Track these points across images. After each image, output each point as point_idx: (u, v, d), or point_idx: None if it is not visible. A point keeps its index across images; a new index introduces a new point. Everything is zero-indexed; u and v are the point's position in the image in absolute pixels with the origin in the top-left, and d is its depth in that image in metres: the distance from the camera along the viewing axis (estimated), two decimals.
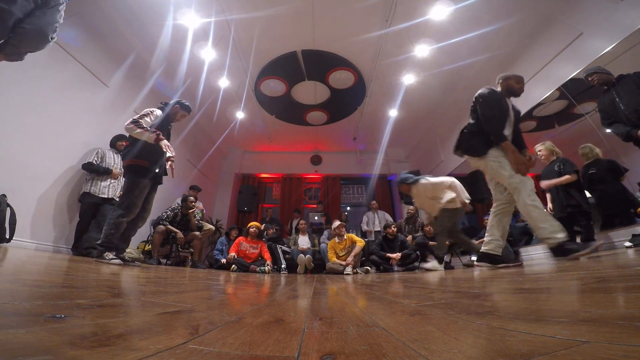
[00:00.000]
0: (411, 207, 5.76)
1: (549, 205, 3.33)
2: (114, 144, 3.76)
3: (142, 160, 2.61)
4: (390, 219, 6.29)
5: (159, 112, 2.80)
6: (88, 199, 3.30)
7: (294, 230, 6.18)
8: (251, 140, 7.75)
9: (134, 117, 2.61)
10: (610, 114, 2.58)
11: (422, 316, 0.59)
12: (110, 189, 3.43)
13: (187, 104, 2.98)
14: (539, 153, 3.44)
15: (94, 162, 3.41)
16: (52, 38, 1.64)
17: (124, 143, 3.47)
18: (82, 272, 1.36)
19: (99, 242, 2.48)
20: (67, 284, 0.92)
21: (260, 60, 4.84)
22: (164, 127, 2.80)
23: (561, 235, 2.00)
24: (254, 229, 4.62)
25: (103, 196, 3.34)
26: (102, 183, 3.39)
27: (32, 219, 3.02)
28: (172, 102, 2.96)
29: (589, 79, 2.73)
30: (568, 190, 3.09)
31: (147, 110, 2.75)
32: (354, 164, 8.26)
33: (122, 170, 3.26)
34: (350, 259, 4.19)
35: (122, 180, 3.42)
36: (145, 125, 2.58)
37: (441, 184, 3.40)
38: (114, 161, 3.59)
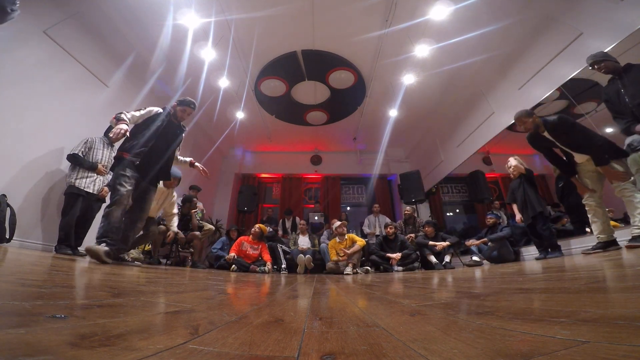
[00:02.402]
0: (408, 208, 5.77)
1: (517, 216, 3.63)
2: (107, 132, 3.38)
3: (127, 152, 2.48)
4: (389, 222, 6.29)
5: (155, 110, 2.69)
6: (72, 192, 3.05)
7: (289, 231, 6.18)
8: (251, 140, 7.75)
9: (124, 112, 2.52)
10: (614, 106, 2.46)
11: (422, 316, 0.59)
12: (96, 184, 3.18)
13: (183, 99, 2.83)
14: (512, 162, 3.68)
15: (81, 153, 3.15)
16: (12, 10, 1.59)
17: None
18: (82, 272, 1.36)
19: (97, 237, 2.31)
20: (67, 284, 0.92)
21: (260, 60, 4.84)
22: (147, 126, 2.62)
23: None
24: (256, 229, 4.62)
25: (88, 190, 3.11)
26: (87, 178, 3.13)
27: (32, 219, 3.02)
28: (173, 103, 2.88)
29: (596, 67, 2.55)
30: (531, 201, 3.44)
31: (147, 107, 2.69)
32: (354, 164, 8.26)
33: (112, 161, 3.09)
34: (348, 252, 4.23)
35: (108, 177, 3.26)
36: (124, 118, 2.46)
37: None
38: (102, 154, 3.29)
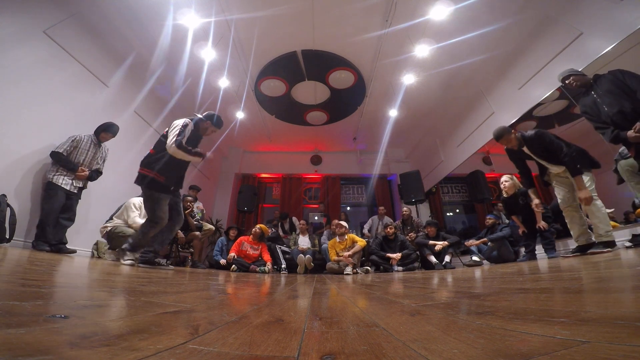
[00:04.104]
0: (405, 208, 5.78)
1: (521, 229, 3.66)
2: (98, 133, 3.34)
3: (160, 175, 2.57)
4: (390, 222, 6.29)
5: (192, 126, 2.71)
6: (52, 188, 3.00)
7: (289, 232, 6.19)
8: (251, 140, 7.74)
9: (176, 136, 2.54)
10: (593, 116, 2.48)
11: (422, 316, 0.59)
12: (74, 183, 3.15)
13: (213, 115, 2.85)
14: (505, 184, 3.71)
15: (65, 152, 3.09)
16: None
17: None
18: (82, 272, 1.36)
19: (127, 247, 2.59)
20: (67, 284, 0.92)
21: (260, 60, 4.83)
22: (192, 142, 2.73)
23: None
24: (257, 229, 4.61)
25: (66, 188, 3.06)
26: (66, 176, 3.10)
27: (32, 219, 3.01)
28: (202, 115, 2.84)
29: (566, 82, 2.62)
30: (532, 213, 3.50)
31: (181, 122, 2.64)
32: (354, 164, 8.26)
33: (97, 162, 3.37)
34: (348, 253, 4.23)
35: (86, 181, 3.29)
36: (190, 149, 2.63)
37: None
38: (87, 155, 3.23)
